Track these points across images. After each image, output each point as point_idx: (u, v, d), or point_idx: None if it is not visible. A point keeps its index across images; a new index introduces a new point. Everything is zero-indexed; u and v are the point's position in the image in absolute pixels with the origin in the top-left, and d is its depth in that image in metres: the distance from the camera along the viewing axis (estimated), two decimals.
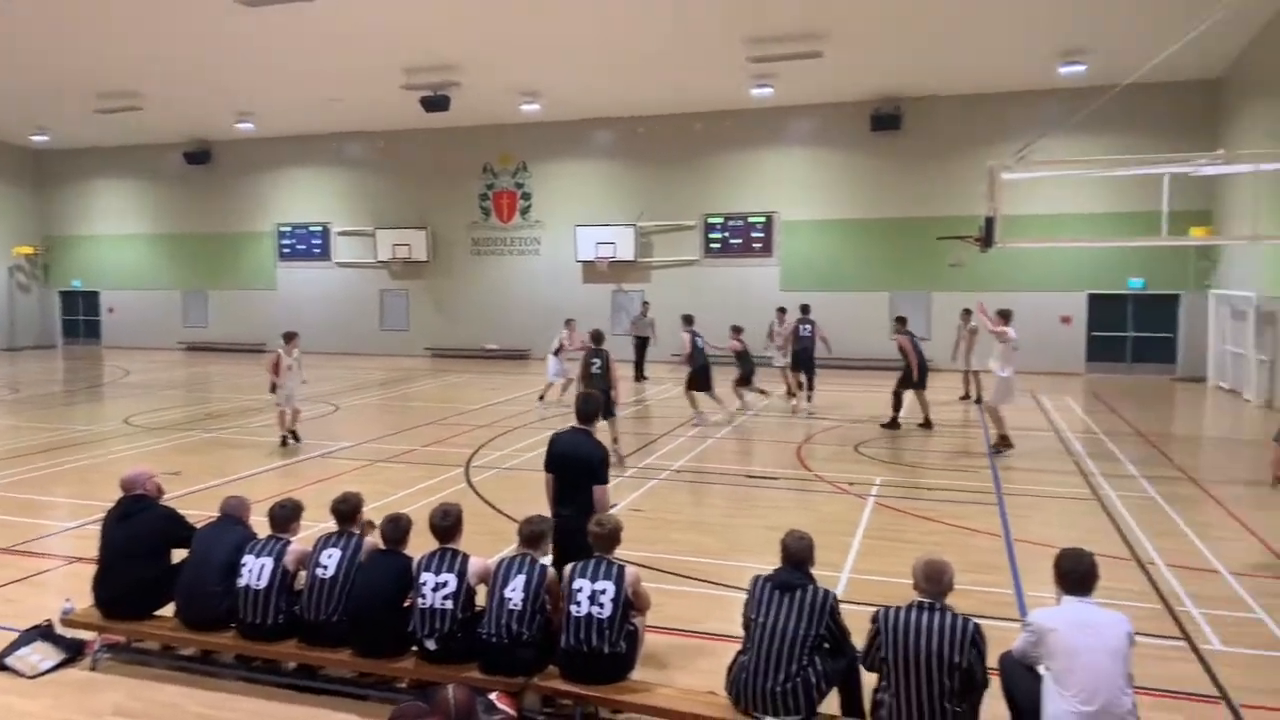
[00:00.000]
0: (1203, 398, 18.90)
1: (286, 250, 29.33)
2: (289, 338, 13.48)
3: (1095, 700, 3.99)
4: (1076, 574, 4.29)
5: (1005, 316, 12.59)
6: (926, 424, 14.44)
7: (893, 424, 14.42)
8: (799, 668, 4.43)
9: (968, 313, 16.65)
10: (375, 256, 27.87)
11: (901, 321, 15.31)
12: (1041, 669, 4.27)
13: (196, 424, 15.30)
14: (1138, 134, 20.77)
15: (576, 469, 5.96)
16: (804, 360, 16.42)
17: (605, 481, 5.93)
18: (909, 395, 14.72)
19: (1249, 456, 12.96)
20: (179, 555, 5.91)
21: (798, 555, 4.74)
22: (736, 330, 16.26)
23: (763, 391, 16.91)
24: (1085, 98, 16.96)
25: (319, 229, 28.84)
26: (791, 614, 4.51)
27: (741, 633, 4.75)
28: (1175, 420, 16.35)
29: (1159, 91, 20.29)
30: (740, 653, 4.66)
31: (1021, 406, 16.99)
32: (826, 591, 4.62)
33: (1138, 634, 4.31)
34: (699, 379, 15.09)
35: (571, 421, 6.31)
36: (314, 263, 29.01)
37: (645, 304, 21.72)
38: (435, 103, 21.66)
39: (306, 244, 29.07)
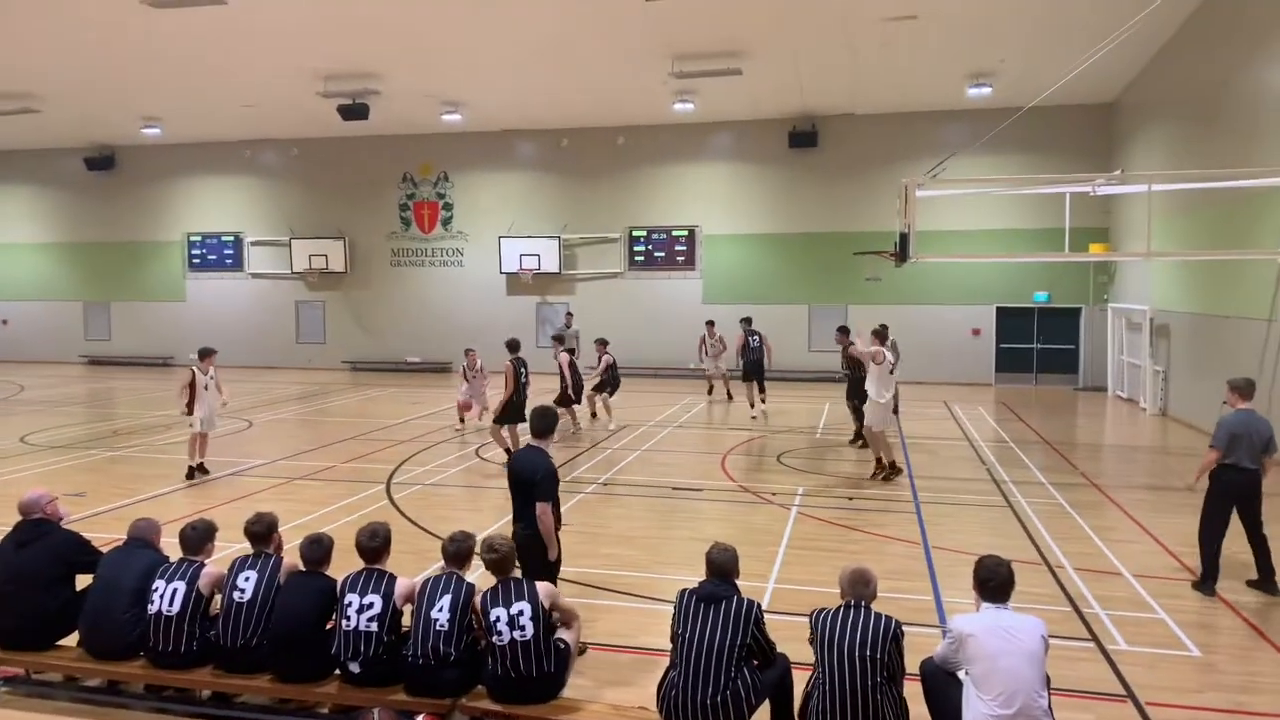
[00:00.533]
0: (1103, 407, 19.81)
1: (197, 260, 28.30)
2: (205, 354, 12.23)
3: (1013, 703, 4.13)
4: (995, 582, 4.45)
5: (880, 336, 11.70)
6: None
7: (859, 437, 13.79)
8: (728, 680, 4.46)
9: (845, 331, 15.04)
10: (291, 267, 27.12)
11: (844, 332, 14.74)
12: (961, 674, 4.41)
13: (100, 441, 14.61)
14: (1042, 154, 21.74)
15: (522, 486, 5.94)
16: (755, 370, 17.41)
17: (547, 499, 5.83)
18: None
19: (1147, 463, 13.65)
20: (83, 581, 5.63)
21: (723, 567, 4.78)
22: (603, 343, 16.73)
23: (593, 415, 16.73)
24: (992, 118, 17.68)
25: (231, 238, 27.93)
26: (717, 626, 4.54)
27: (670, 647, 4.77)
28: (1078, 429, 17.09)
29: (1061, 114, 21.29)
30: (669, 668, 4.67)
31: (935, 416, 17.56)
32: (750, 601, 4.67)
33: (1051, 636, 4.49)
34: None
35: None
36: (226, 273, 28.06)
37: (569, 315, 21.69)
38: (354, 111, 21.23)
39: (218, 254, 28.11)
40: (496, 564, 5.02)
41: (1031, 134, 20.62)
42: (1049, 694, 4.32)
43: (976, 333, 23.27)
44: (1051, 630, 5.85)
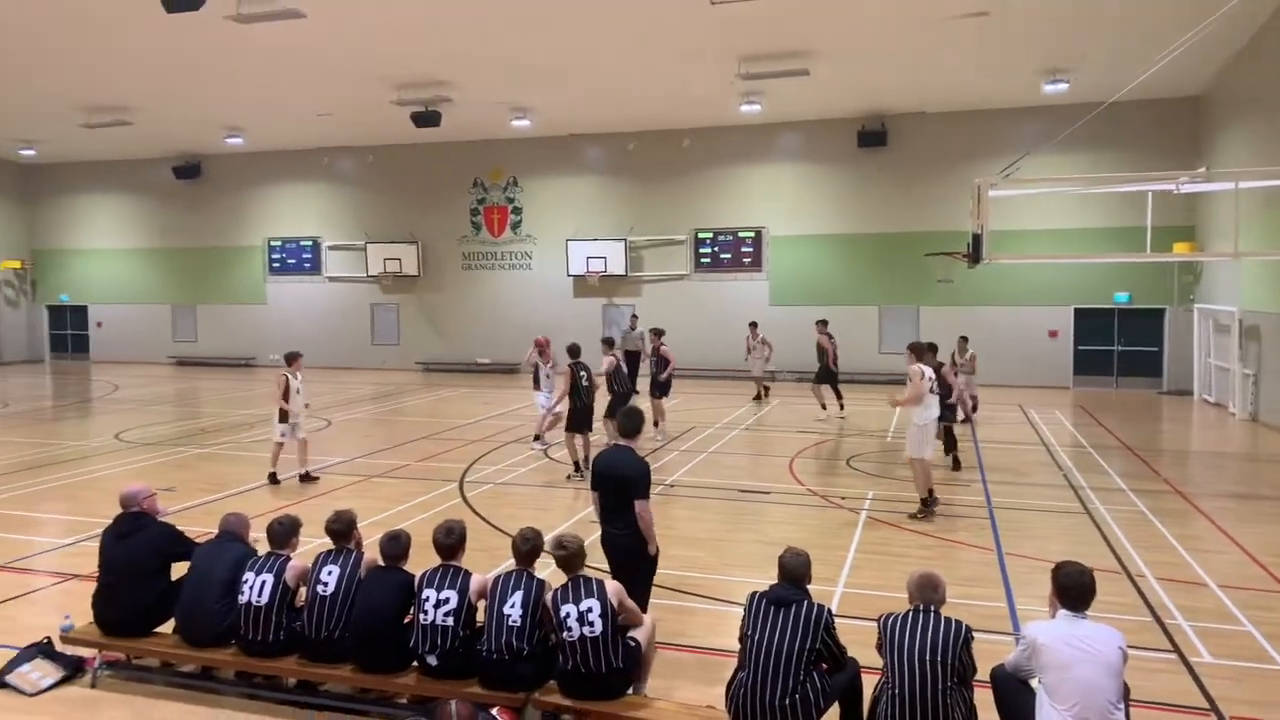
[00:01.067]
0: (1189, 411, 19.11)
1: (276, 264, 29.31)
2: (293, 358, 11.96)
3: (1088, 713, 4.06)
4: (1076, 589, 4.36)
5: (916, 351, 10.41)
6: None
7: (954, 461, 12.61)
8: (796, 683, 4.48)
9: (965, 339, 16.73)
10: (366, 270, 27.88)
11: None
12: (1034, 682, 4.35)
13: (188, 439, 15.26)
14: (1122, 150, 21.06)
15: (618, 486, 5.99)
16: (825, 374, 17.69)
17: (647, 496, 5.97)
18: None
19: (1235, 470, 13.13)
20: (179, 571, 5.93)
21: (795, 572, 4.81)
22: (657, 334, 16.19)
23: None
24: (1070, 115, 17.23)
25: (309, 243, 28.84)
26: (787, 629, 4.56)
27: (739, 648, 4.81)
28: (1162, 434, 16.53)
29: (1142, 108, 20.60)
30: (738, 669, 4.71)
31: (1011, 421, 17.18)
32: (821, 606, 4.69)
33: (1130, 647, 4.39)
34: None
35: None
36: (304, 277, 28.99)
37: (634, 318, 21.80)
38: (426, 118, 21.75)
39: (297, 258, 29.07)
40: (566, 561, 5.13)
41: (1111, 130, 20.02)
42: (1127, 706, 4.24)
43: (1054, 335, 22.66)
44: (1131, 641, 5.73)
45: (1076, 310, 22.49)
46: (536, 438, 14.35)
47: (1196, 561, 8.24)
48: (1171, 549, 8.69)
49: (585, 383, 12.30)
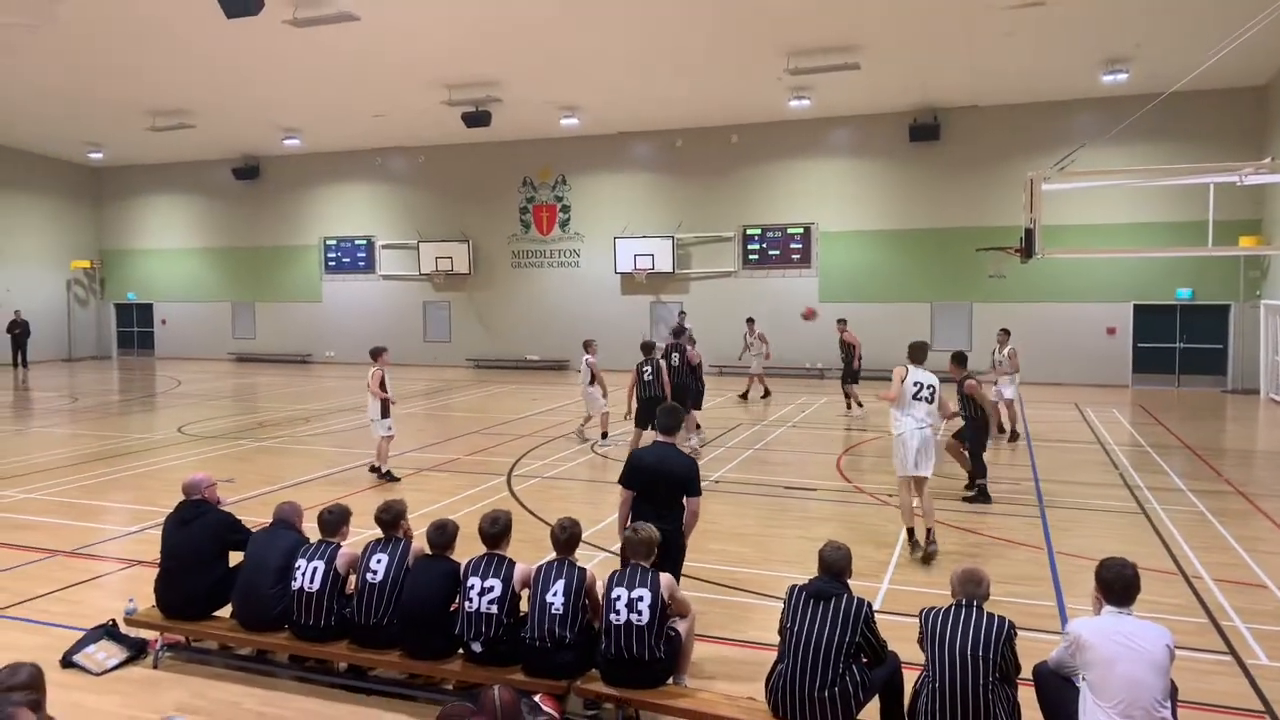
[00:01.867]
0: (1255, 410, 18.51)
1: (332, 263, 29.94)
2: (379, 354, 11.72)
3: (1133, 712, 4.00)
4: (1119, 583, 4.29)
5: (910, 352, 8.48)
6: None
7: (979, 491, 10.56)
8: (835, 676, 4.49)
9: (1005, 332, 15.20)
10: (418, 269, 28.35)
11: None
12: (1079, 680, 4.30)
13: (247, 433, 15.70)
14: (1183, 142, 20.47)
15: (669, 483, 5.97)
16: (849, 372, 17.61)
17: (699, 494, 6.03)
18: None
19: None
20: (235, 559, 6.14)
21: (835, 565, 4.81)
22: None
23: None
24: (1128, 106, 16.81)
25: (363, 242, 29.42)
26: (826, 622, 4.58)
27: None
28: (1225, 433, 16.04)
29: (1204, 99, 20.01)
30: (777, 661, 4.73)
31: (1066, 419, 16.83)
32: (861, 600, 4.69)
33: (1183, 648, 4.32)
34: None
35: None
36: (359, 275, 29.58)
37: (683, 314, 21.80)
38: (476, 118, 22.05)
39: (351, 257, 29.66)
40: (636, 545, 5.21)
41: (1171, 121, 19.51)
42: (1174, 705, 4.16)
43: (1112, 332, 22.13)
44: (1186, 643, 5.63)
45: (1136, 306, 21.93)
46: (604, 435, 14.41)
47: (1256, 563, 8.01)
48: (1230, 550, 8.45)
49: (646, 377, 12.60)
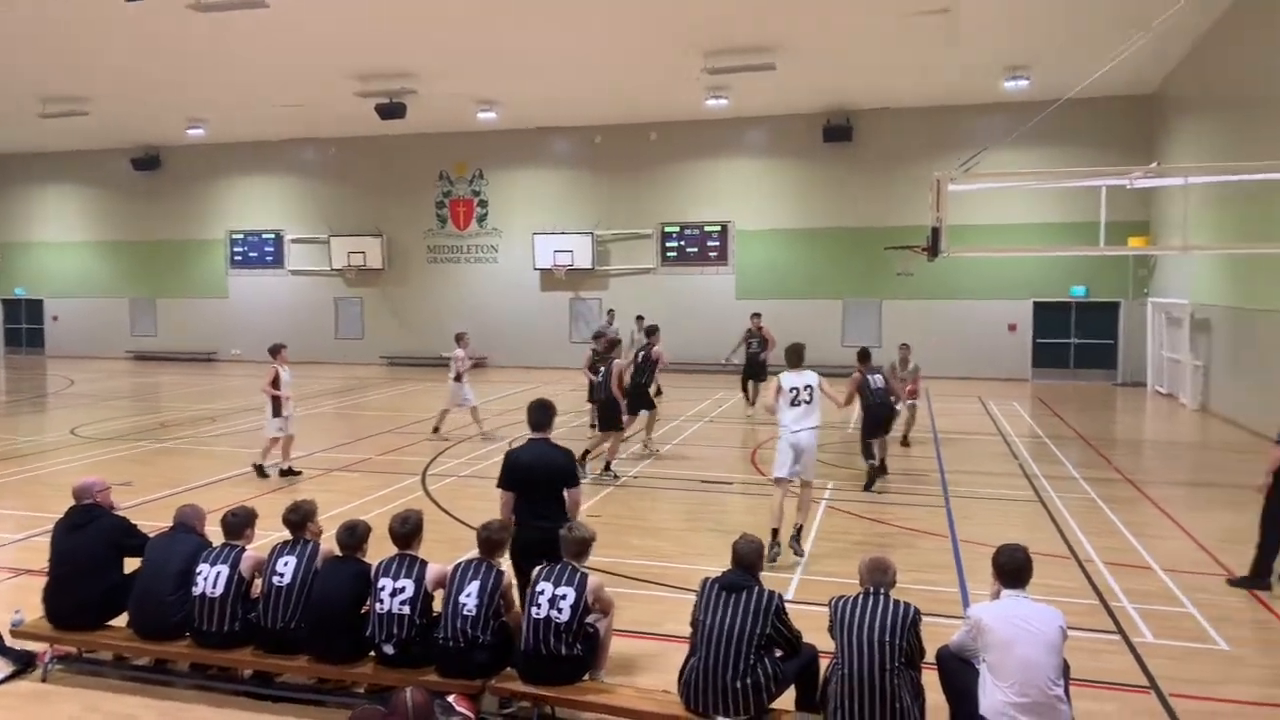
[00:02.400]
0: (1142, 402, 19.53)
1: (238, 257, 28.93)
2: (278, 350, 11.70)
3: (1029, 691, 4.18)
4: (1012, 566, 4.51)
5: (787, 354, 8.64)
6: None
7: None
8: (747, 667, 4.56)
9: (907, 347, 14.17)
10: (330, 264, 27.62)
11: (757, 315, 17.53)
12: (978, 662, 4.46)
13: (147, 434, 15.05)
14: (1079, 146, 21.44)
15: (548, 478, 5.92)
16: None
17: (578, 484, 6.02)
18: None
19: (1185, 459, 13.47)
20: (131, 565, 5.88)
21: (747, 558, 4.89)
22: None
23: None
24: (1029, 111, 17.47)
25: (272, 236, 28.50)
26: (738, 614, 4.64)
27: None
28: (1116, 424, 16.88)
29: (1098, 106, 20.98)
30: (690, 654, 4.78)
31: (969, 412, 17.45)
32: (772, 592, 4.76)
33: (1075, 629, 4.53)
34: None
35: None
36: (267, 270, 28.65)
37: (610, 312, 21.68)
38: (391, 110, 21.56)
39: (259, 251, 28.70)
40: (571, 543, 5.17)
41: (1069, 126, 20.37)
42: (1067, 683, 4.36)
43: (1013, 328, 23.03)
44: (1078, 623, 5.90)
45: (1035, 304, 22.88)
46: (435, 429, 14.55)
47: (1144, 547, 8.46)
48: (1120, 535, 8.90)
49: (599, 376, 12.06)
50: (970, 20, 16.45)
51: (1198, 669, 5.81)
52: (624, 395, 11.97)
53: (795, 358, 8.45)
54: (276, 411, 11.45)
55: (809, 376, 8.34)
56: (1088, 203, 18.61)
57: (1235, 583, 7.40)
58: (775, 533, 7.99)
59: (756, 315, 18.48)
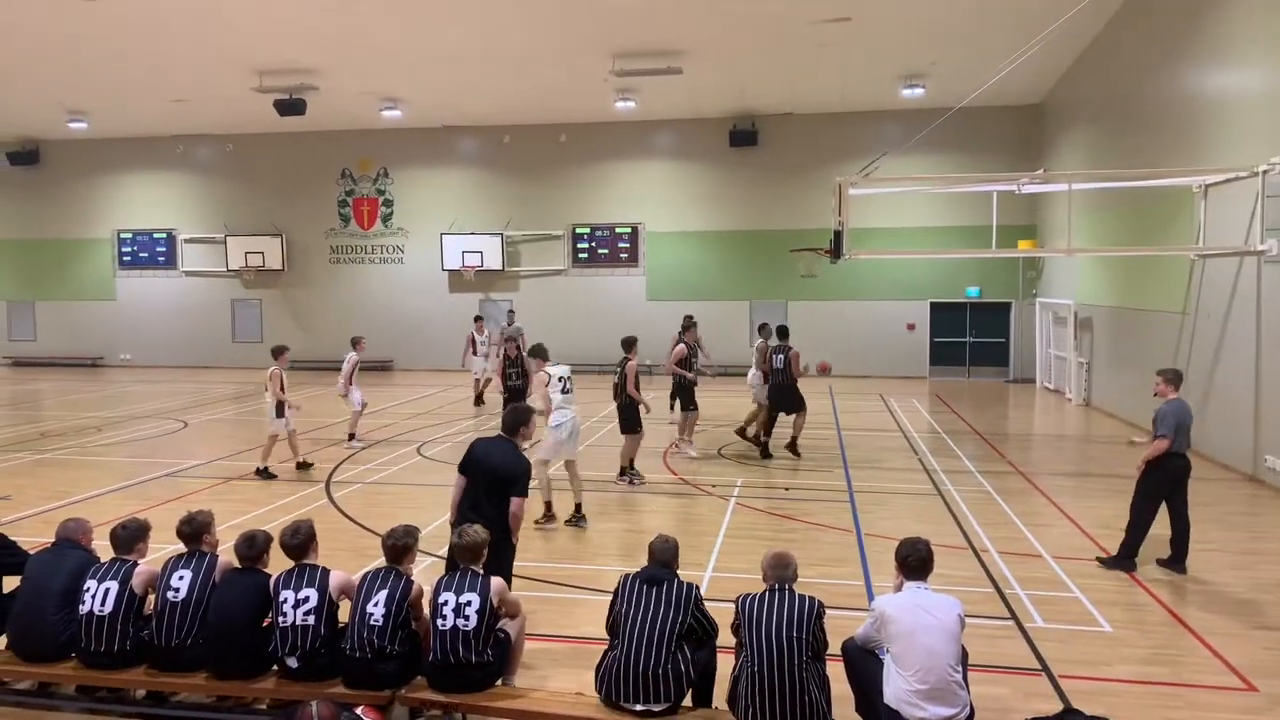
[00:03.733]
0: (1032, 398, 20.48)
1: (127, 258, 27.55)
2: (280, 353, 12.17)
3: (929, 678, 4.34)
4: (914, 558, 4.68)
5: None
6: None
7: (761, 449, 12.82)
8: (668, 654, 4.66)
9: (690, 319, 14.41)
10: (226, 265, 26.59)
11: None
12: (882, 653, 4.60)
13: (26, 444, 14.19)
14: (973, 153, 22.35)
15: (492, 477, 5.97)
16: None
17: (524, 494, 5.99)
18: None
19: (1070, 451, 14.19)
20: (10, 584, 5.54)
21: (663, 557, 4.99)
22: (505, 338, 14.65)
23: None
24: (925, 119, 18.15)
25: (164, 236, 27.26)
26: (660, 605, 4.76)
27: (607, 635, 4.92)
28: (1008, 419, 17.65)
29: (991, 114, 21.94)
30: (608, 649, 4.83)
31: (871, 409, 17.97)
32: (690, 584, 4.89)
33: (973, 616, 4.72)
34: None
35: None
36: (159, 271, 27.37)
37: (511, 313, 21.46)
38: (290, 106, 20.89)
39: (150, 251, 27.41)
40: (463, 549, 5.12)
41: (963, 134, 21.22)
42: (965, 669, 4.54)
43: (911, 327, 23.85)
44: (974, 611, 6.15)
45: (932, 304, 23.74)
46: (351, 436, 14.07)
47: (1034, 535, 8.87)
48: (1012, 524, 9.32)
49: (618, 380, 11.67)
50: (871, 29, 16.97)
51: (1084, 650, 6.12)
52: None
53: (544, 352, 10.46)
54: (280, 412, 11.87)
55: (565, 368, 9.92)
56: (981, 207, 19.44)
57: (1105, 562, 7.86)
58: (549, 505, 9.26)
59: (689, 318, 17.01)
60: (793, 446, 12.94)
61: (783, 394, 12.90)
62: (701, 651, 4.85)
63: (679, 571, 5.02)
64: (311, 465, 12.28)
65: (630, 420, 11.38)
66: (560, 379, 9.69)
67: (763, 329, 13.93)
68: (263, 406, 18.67)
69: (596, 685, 4.83)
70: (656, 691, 4.63)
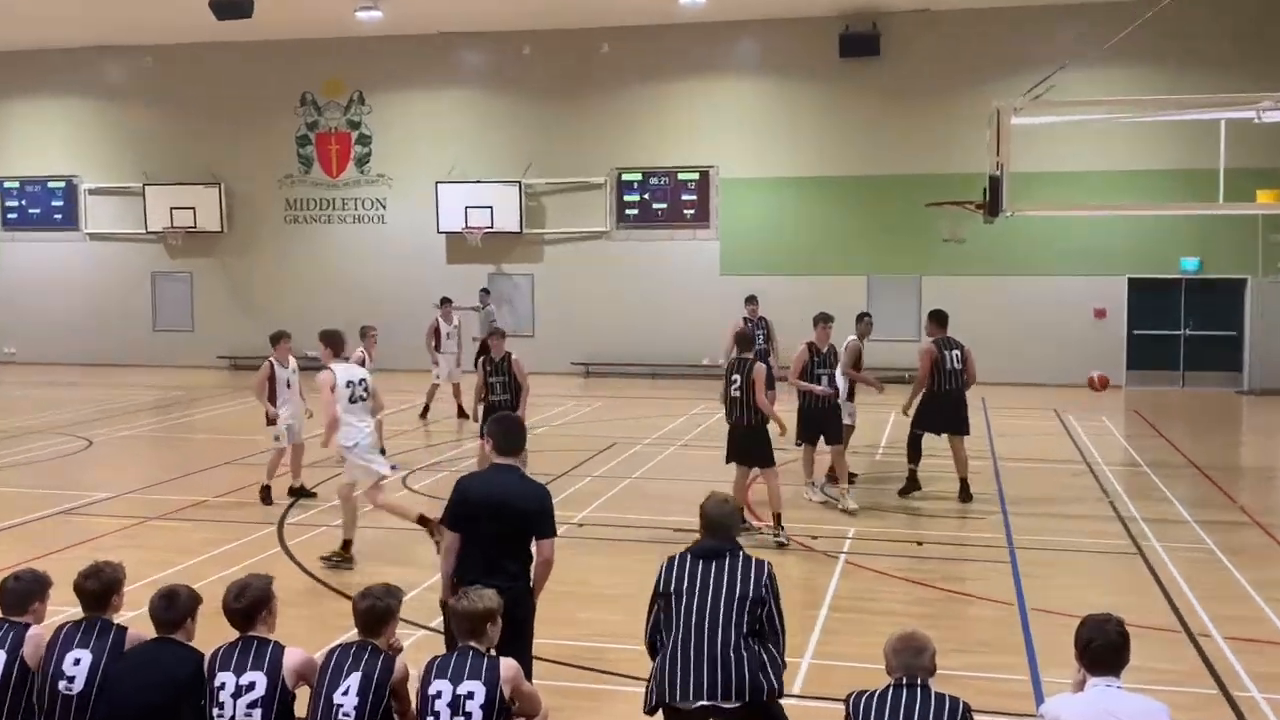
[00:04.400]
0: (1276, 417, 19.96)
1: (12, 215, 28.52)
2: (277, 340, 12.76)
3: None
4: (1100, 641, 4.55)
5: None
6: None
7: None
8: (738, 636, 5.04)
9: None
10: (145, 225, 27.30)
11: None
12: None
13: None
14: (1189, 66, 21.82)
15: (505, 521, 5.91)
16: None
17: (553, 534, 6.05)
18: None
19: None
20: None
21: (722, 522, 5.45)
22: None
23: None
24: (1121, 16, 17.78)
25: (60, 185, 28.10)
26: (723, 582, 5.15)
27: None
28: (1242, 446, 17.28)
29: (1218, 9, 21.38)
30: (659, 644, 5.25)
31: (1042, 431, 17.70)
32: (762, 560, 5.35)
33: None
34: None
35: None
36: (53, 232, 28.26)
37: (485, 291, 21.29)
38: (231, 7, 21.30)
39: (42, 206, 28.33)
40: (462, 618, 5.15)
41: (1177, 36, 20.76)
42: None
43: (1100, 314, 23.46)
44: (1190, 718, 6.01)
45: (1130, 281, 23.30)
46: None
47: (1277, 615, 8.65)
48: (1247, 599, 9.10)
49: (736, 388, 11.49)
50: None
51: None
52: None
53: (338, 344, 10.63)
54: (270, 420, 12.53)
55: (361, 370, 10.63)
56: (1203, 143, 18.98)
57: None
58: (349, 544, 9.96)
59: (752, 300, 17.75)
60: (964, 490, 12.56)
61: (949, 406, 12.75)
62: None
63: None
64: (314, 494, 12.71)
65: (762, 446, 11.06)
66: (347, 384, 10.13)
67: (861, 319, 14.06)
68: (189, 421, 19.17)
69: (648, 690, 5.24)
70: (727, 685, 4.91)
